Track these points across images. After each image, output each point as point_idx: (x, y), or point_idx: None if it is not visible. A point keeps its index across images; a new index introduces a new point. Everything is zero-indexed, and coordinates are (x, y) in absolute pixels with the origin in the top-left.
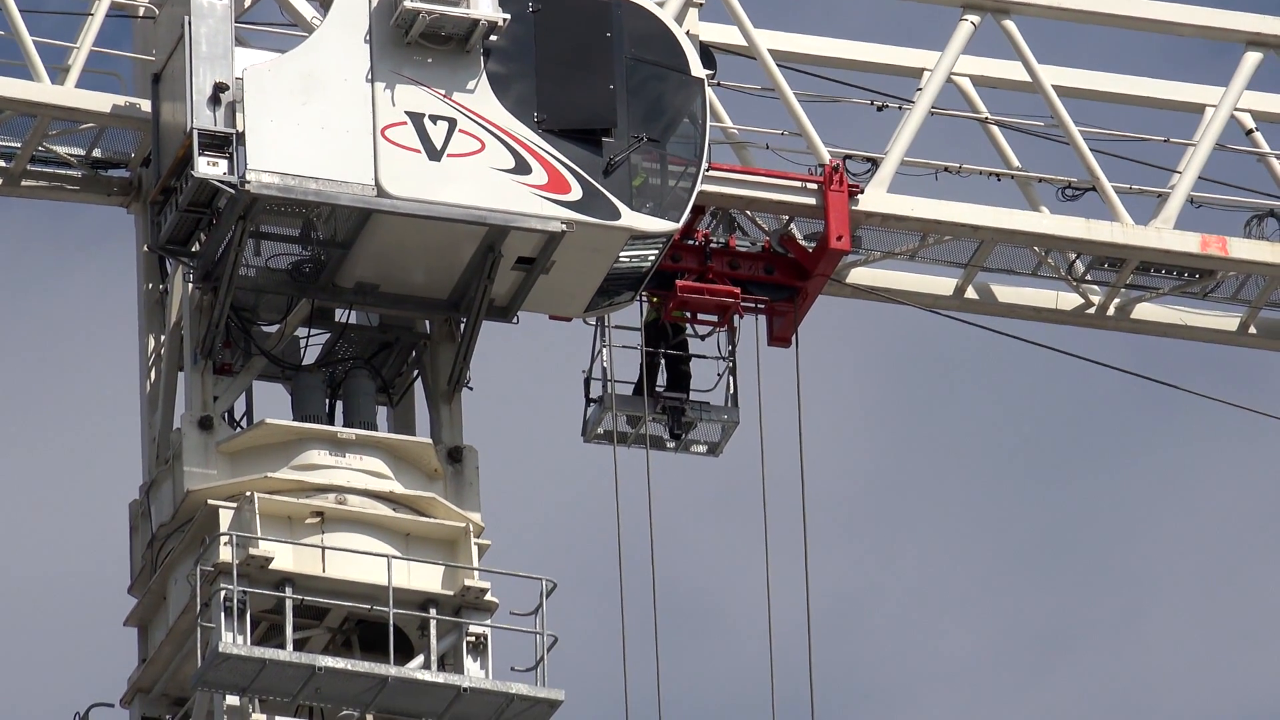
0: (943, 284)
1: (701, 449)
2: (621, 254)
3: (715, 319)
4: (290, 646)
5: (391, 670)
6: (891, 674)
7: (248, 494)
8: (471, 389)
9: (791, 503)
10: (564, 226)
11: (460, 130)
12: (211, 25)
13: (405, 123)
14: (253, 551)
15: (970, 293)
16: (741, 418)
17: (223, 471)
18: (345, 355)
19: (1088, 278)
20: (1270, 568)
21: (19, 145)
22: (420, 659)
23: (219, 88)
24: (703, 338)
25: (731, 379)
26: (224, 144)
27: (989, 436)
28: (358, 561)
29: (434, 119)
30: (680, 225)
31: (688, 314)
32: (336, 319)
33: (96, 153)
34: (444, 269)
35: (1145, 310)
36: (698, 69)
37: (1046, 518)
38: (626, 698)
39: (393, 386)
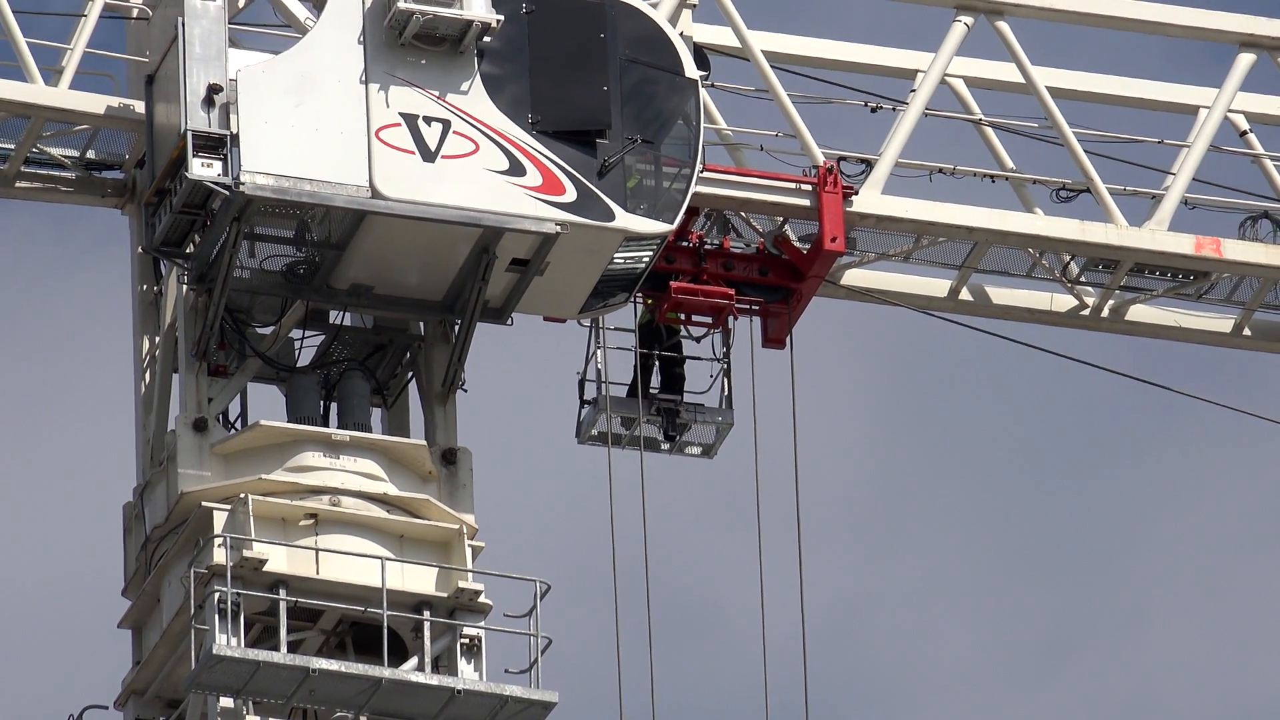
0: (937, 285)
1: (696, 451)
2: (616, 255)
3: (709, 320)
4: (284, 648)
5: (385, 672)
6: (892, 678)
7: (242, 496)
8: (466, 391)
9: (787, 505)
10: (558, 228)
11: (454, 132)
12: (205, 27)
13: (399, 124)
14: (247, 553)
15: (964, 294)
16: (736, 419)
17: (217, 473)
18: (340, 357)
19: (1082, 279)
20: (1272, 571)
21: (13, 147)
22: (414, 661)
23: (213, 89)
24: (697, 339)
25: (726, 381)
26: (218, 145)
27: (989, 439)
28: (352, 563)
29: (428, 120)
30: (674, 227)
31: (682, 315)
32: (331, 321)
33: (91, 154)
34: (438, 271)
35: (1139, 312)
36: (692, 70)
37: (1048, 521)
38: (620, 700)
39: (387, 388)
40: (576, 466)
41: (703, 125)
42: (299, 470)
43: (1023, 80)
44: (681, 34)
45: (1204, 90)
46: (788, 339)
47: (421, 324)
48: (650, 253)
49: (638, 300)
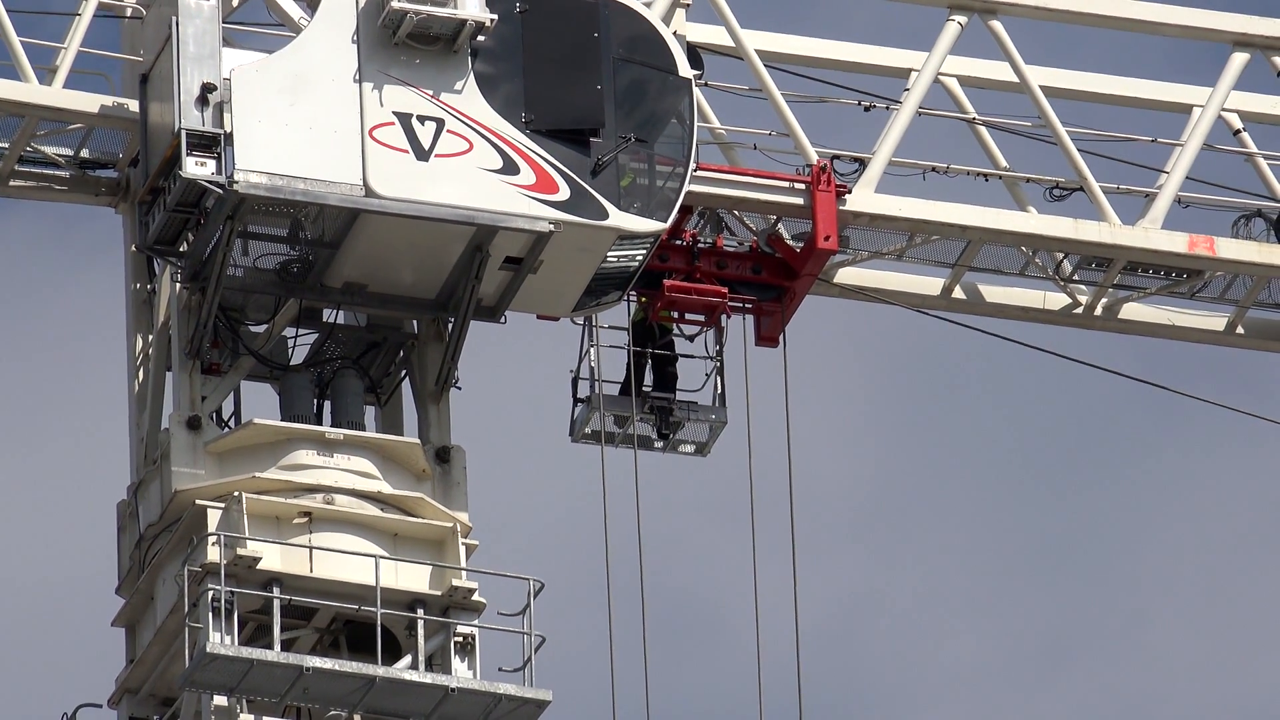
0: (930, 284)
1: (689, 449)
2: (609, 254)
3: (703, 319)
4: (278, 646)
5: (379, 670)
6: (894, 680)
7: (235, 494)
8: (459, 389)
9: (782, 504)
10: (551, 226)
11: (448, 130)
12: (199, 25)
13: (393, 123)
14: (240, 551)
15: (958, 292)
16: (729, 418)
17: (210, 471)
18: (333, 355)
19: (1075, 277)
20: (1273, 572)
21: (7, 145)
22: (408, 659)
23: (207, 88)
24: (690, 338)
25: (719, 379)
26: (212, 144)
27: (986, 440)
28: (345, 561)
29: (422, 119)
30: (668, 225)
31: (675, 314)
32: (324, 319)
33: (84, 153)
34: (432, 269)
35: (1133, 310)
36: (685, 69)
37: (1048, 522)
38: (614, 698)
39: (381, 386)
40: (570, 465)
41: (696, 124)
42: (293, 468)
43: (1016, 79)
44: (675, 33)
45: (1197, 89)
46: (781, 337)
47: (415, 322)
48: (644, 251)
49: (631, 299)
